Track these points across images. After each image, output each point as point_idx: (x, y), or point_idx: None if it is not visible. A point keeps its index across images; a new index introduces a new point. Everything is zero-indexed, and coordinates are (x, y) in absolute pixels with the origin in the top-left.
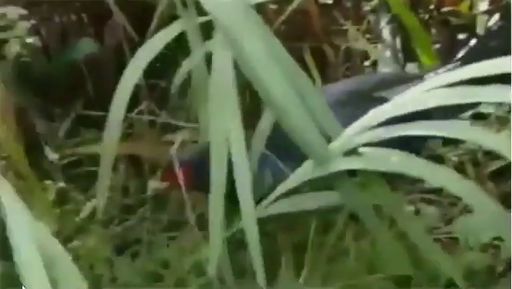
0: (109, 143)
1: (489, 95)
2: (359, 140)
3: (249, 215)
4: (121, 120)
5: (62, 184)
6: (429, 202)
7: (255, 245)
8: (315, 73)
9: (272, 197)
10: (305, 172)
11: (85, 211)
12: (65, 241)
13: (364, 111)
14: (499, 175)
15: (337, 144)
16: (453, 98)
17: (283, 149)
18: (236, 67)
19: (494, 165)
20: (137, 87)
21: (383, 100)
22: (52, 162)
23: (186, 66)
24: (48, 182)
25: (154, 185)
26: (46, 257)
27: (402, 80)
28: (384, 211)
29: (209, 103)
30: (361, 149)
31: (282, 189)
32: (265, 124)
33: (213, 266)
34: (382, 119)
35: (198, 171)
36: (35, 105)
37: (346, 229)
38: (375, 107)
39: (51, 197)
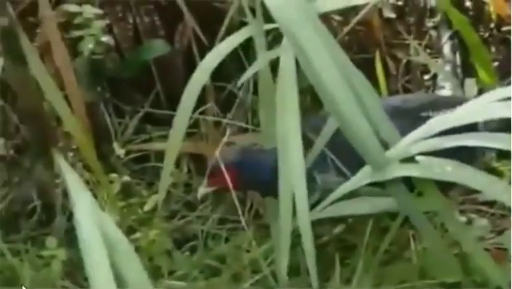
0: (174, 141)
1: None
2: (416, 149)
3: (305, 217)
4: (187, 120)
5: (127, 178)
6: (481, 213)
7: (309, 246)
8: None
9: (329, 200)
10: (363, 177)
11: (148, 205)
12: (128, 232)
13: (407, 129)
14: None
15: (394, 152)
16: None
17: (343, 154)
18: (298, 72)
19: None
20: (204, 89)
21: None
22: (119, 157)
23: (252, 70)
24: (114, 175)
25: (202, 191)
26: (109, 245)
27: (452, 103)
28: (437, 219)
29: (273, 107)
30: (417, 158)
31: (340, 192)
32: (328, 129)
33: (283, 270)
34: (439, 129)
35: (243, 172)
36: (106, 101)
37: (400, 234)
38: (419, 126)
39: (117, 189)
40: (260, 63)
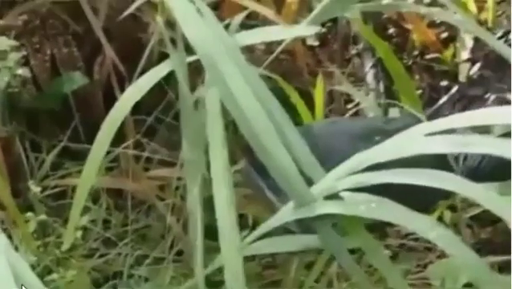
0: (87, 176)
1: (483, 146)
2: (341, 186)
3: (232, 253)
4: (103, 154)
5: (43, 216)
6: (406, 247)
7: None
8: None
9: (253, 236)
10: (286, 213)
11: (66, 244)
12: (44, 273)
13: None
14: (476, 220)
15: (319, 188)
16: (442, 147)
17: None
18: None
19: (472, 211)
20: (124, 122)
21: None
22: (35, 193)
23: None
24: (30, 214)
25: None
26: None
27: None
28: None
29: (196, 139)
30: (342, 193)
31: (263, 229)
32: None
33: None
34: (365, 165)
35: None
36: (22, 136)
37: (326, 269)
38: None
39: (33, 228)
40: (183, 96)
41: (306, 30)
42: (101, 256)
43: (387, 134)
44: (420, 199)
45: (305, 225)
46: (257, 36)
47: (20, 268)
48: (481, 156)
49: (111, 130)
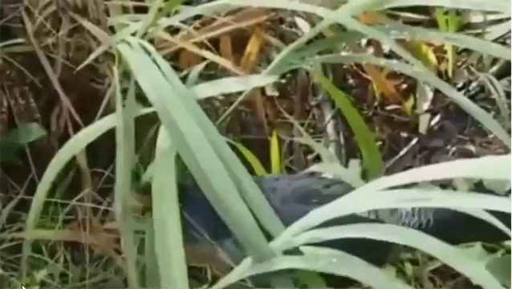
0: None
1: (441, 201)
2: (300, 240)
3: None
4: (40, 204)
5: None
6: None
7: None
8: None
9: None
10: (244, 268)
11: None
12: None
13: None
14: (438, 273)
15: (277, 243)
16: (401, 202)
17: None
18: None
19: (433, 265)
20: (78, 175)
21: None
22: None
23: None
24: None
25: None
26: None
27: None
28: None
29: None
30: (302, 248)
31: (221, 284)
32: None
33: None
34: (322, 220)
35: None
36: None
37: None
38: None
39: None
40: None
41: (264, 80)
42: None
43: (324, 198)
44: (380, 252)
45: (260, 280)
46: (215, 88)
47: None
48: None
49: (55, 168)
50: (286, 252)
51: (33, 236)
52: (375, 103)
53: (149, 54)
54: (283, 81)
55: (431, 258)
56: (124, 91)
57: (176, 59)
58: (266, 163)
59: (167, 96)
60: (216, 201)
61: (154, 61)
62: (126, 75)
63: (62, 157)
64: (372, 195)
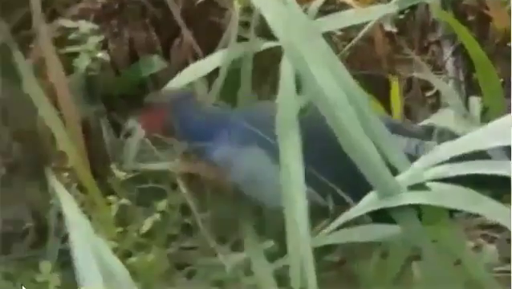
0: None
1: None
2: (427, 176)
3: (306, 244)
4: None
5: (125, 200)
6: (489, 239)
7: (311, 274)
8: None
9: (333, 226)
10: (369, 203)
11: (145, 227)
12: (124, 256)
13: None
14: None
15: (404, 178)
16: None
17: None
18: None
19: None
20: None
21: None
22: (117, 177)
23: None
24: (111, 198)
25: (131, 124)
26: (104, 271)
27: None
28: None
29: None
30: (428, 184)
31: (343, 218)
32: None
33: None
34: (450, 155)
35: (173, 116)
36: (103, 119)
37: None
38: None
39: (114, 212)
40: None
41: (383, 9)
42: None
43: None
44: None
45: (380, 216)
46: (336, 21)
47: (102, 251)
48: None
49: None
50: (412, 187)
51: (152, 168)
52: (497, 40)
53: None
54: (401, 17)
55: None
56: (245, 25)
57: None
58: (384, 100)
59: (293, 30)
60: (343, 136)
61: None
62: (245, 9)
63: (177, 85)
64: (503, 131)
